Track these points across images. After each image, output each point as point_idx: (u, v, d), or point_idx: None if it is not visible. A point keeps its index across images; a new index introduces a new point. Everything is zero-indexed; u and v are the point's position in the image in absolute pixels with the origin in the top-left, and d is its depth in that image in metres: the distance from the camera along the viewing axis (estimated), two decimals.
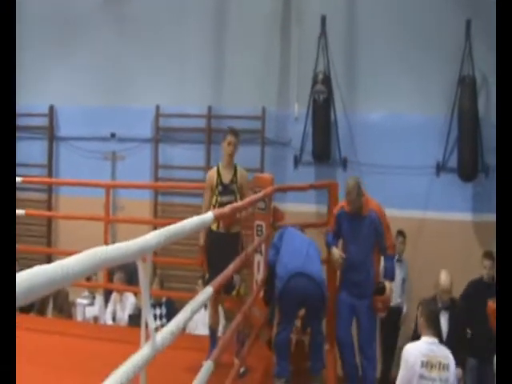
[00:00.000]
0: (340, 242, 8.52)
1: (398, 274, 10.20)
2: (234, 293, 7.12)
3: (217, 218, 4.41)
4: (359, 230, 8.16)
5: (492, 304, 7.24)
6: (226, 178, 7.38)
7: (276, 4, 12.32)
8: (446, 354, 6.51)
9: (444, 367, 6.42)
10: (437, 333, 6.75)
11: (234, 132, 7.54)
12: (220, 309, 10.31)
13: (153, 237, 3.01)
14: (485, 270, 9.62)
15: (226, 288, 6.91)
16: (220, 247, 7.11)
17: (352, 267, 8.18)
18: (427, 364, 6.37)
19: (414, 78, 11.75)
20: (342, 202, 8.40)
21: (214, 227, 7.22)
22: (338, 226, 8.35)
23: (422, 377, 6.35)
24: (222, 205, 6.87)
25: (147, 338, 3.01)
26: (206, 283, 6.79)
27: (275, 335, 7.20)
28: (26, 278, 1.80)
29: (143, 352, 2.90)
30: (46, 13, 13.26)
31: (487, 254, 9.78)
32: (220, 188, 7.37)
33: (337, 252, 8.27)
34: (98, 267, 2.34)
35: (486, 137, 11.27)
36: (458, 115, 11.31)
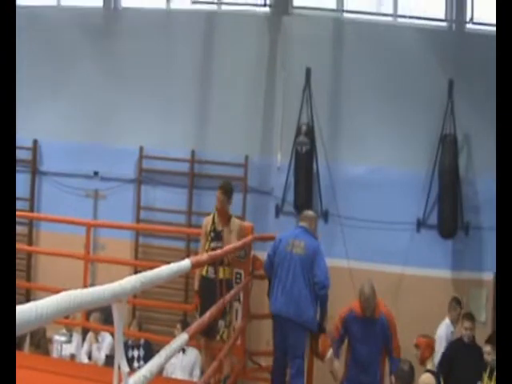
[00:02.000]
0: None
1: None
2: (218, 337, 7.12)
3: (194, 266, 4.43)
4: (370, 333, 8.12)
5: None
6: (219, 225, 7.48)
7: (262, 54, 12.46)
8: None
9: None
10: None
11: (223, 187, 7.65)
12: (198, 353, 10.30)
13: (128, 282, 3.03)
14: (465, 331, 9.59)
15: (209, 333, 6.93)
16: (210, 292, 7.09)
17: (361, 368, 8.14)
18: None
19: (397, 133, 11.88)
20: (352, 305, 8.37)
21: (203, 273, 7.28)
22: (344, 329, 8.28)
23: None
24: (212, 250, 6.95)
25: (120, 381, 3.01)
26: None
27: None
28: None
29: None
30: (33, 48, 13.27)
31: (467, 316, 9.77)
32: (212, 234, 7.48)
33: (338, 371, 8.27)
34: (72, 310, 2.36)
35: (466, 194, 11.41)
36: (439, 172, 11.42)
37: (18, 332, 1.95)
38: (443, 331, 10.18)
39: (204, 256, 5.21)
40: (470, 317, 9.72)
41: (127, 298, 3.04)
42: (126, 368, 3.02)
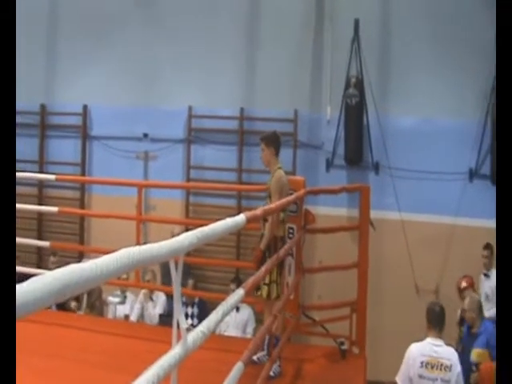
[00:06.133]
0: None
1: (486, 289, 10.18)
2: (259, 293, 7.07)
3: (249, 221, 4.40)
4: None
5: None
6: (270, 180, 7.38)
7: (309, 7, 12.30)
8: (449, 356, 6.66)
9: (446, 368, 6.56)
10: (441, 334, 6.87)
11: (261, 138, 7.52)
12: (251, 310, 10.35)
13: (185, 238, 3.02)
14: None
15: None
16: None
17: None
18: (427, 364, 6.58)
19: (447, 83, 11.68)
20: None
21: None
22: None
23: (421, 376, 6.58)
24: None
25: (178, 338, 3.01)
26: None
27: None
28: (62, 276, 1.82)
29: (174, 352, 2.91)
30: (80, 13, 13.35)
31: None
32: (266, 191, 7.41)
33: None
34: (131, 267, 2.35)
35: None
36: (492, 121, 11.22)
37: (81, 290, 1.96)
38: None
39: (258, 211, 5.16)
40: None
41: (183, 256, 3.03)
42: (184, 325, 3.02)
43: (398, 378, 6.83)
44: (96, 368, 6.73)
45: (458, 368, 6.62)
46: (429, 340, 6.71)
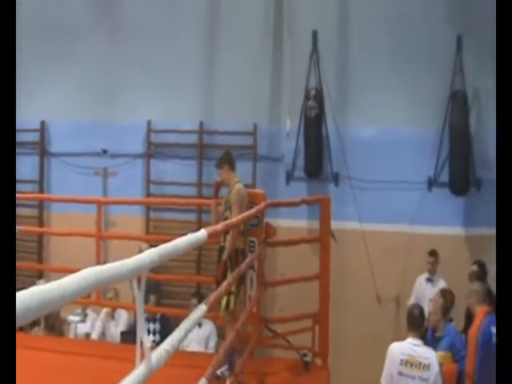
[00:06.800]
0: None
1: (429, 294, 10.24)
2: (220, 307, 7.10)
3: (210, 236, 4.40)
4: None
5: None
6: (228, 194, 7.45)
7: (268, 19, 12.34)
8: (427, 355, 6.98)
9: (424, 367, 6.90)
10: (420, 334, 7.22)
11: (217, 161, 7.66)
12: (213, 325, 10.32)
13: (147, 255, 3.00)
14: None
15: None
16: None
17: None
18: (406, 362, 6.90)
19: (405, 92, 11.79)
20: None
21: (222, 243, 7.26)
22: None
23: (400, 373, 6.92)
24: (225, 220, 6.93)
25: (142, 356, 2.99)
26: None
27: None
28: (23, 299, 1.79)
29: (138, 371, 2.89)
30: (38, 28, 13.22)
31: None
32: (225, 205, 7.46)
33: None
34: (93, 287, 2.33)
35: (477, 151, 11.33)
36: (450, 130, 11.36)
37: (43, 313, 1.93)
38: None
39: (219, 226, 5.17)
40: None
41: (147, 274, 3.02)
42: (148, 343, 3.00)
43: (382, 379, 7.11)
44: None
45: (436, 367, 6.95)
46: (409, 340, 7.03)
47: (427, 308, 8.99)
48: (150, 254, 3.02)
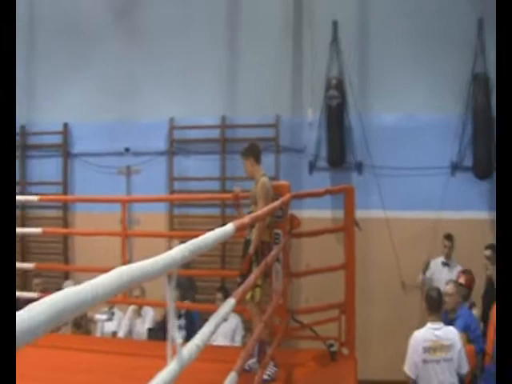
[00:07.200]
0: None
1: (445, 278, 10.23)
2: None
3: (238, 229, 4.41)
4: None
5: None
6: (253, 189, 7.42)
7: (287, 11, 12.32)
8: (449, 336, 7.14)
9: (447, 348, 7.05)
10: (440, 316, 7.39)
11: (240, 154, 7.61)
12: (239, 319, 10.33)
13: (177, 252, 3.00)
14: None
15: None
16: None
17: None
18: (429, 349, 7.04)
19: (427, 78, 11.75)
20: None
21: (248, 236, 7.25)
22: None
23: (425, 361, 7.05)
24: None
25: (173, 353, 3.00)
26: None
27: None
28: (57, 301, 1.81)
29: (170, 368, 2.89)
30: (57, 31, 13.31)
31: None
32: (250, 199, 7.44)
33: None
34: (125, 286, 2.33)
35: None
36: (472, 113, 11.31)
37: (77, 314, 1.95)
38: None
39: (246, 219, 5.17)
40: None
41: (177, 271, 3.02)
42: (179, 340, 3.01)
43: (405, 368, 7.23)
44: None
45: (458, 345, 7.10)
46: (429, 325, 7.15)
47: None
48: (180, 251, 3.01)
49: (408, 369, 7.19)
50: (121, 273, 2.30)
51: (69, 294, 1.90)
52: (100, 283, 2.10)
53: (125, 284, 2.32)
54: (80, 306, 1.92)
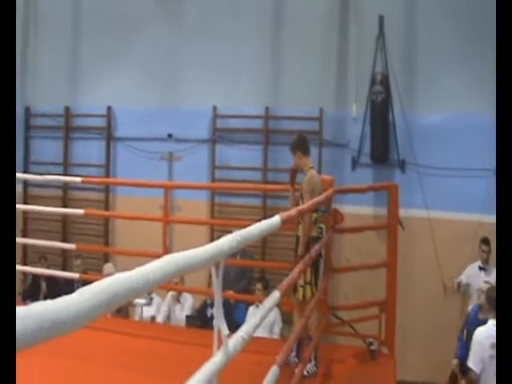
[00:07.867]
0: None
1: (481, 282, 10.15)
2: (296, 296, 7.09)
3: (284, 222, 4.36)
4: None
5: None
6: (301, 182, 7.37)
7: (333, 4, 12.21)
8: None
9: None
10: None
11: (290, 146, 7.52)
12: (278, 311, 10.29)
13: (225, 242, 2.98)
14: None
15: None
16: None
17: None
18: (494, 345, 6.83)
19: (474, 77, 11.55)
20: None
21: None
22: None
23: (492, 357, 6.96)
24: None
25: (219, 343, 2.98)
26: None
27: None
28: (109, 286, 1.78)
29: (216, 359, 2.88)
30: (103, 15, 13.42)
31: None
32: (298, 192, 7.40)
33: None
34: (175, 273, 2.33)
35: None
36: None
37: (128, 299, 1.93)
38: None
39: (292, 211, 5.13)
40: None
41: (224, 261, 3.00)
42: (226, 331, 2.98)
43: (469, 363, 7.30)
44: (132, 371, 6.72)
45: None
46: (492, 322, 7.13)
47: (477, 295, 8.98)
48: (228, 241, 3.00)
49: (473, 364, 7.25)
50: (172, 260, 2.28)
51: (120, 279, 1.88)
52: (150, 270, 2.08)
53: (174, 272, 2.32)
54: (131, 291, 1.91)
